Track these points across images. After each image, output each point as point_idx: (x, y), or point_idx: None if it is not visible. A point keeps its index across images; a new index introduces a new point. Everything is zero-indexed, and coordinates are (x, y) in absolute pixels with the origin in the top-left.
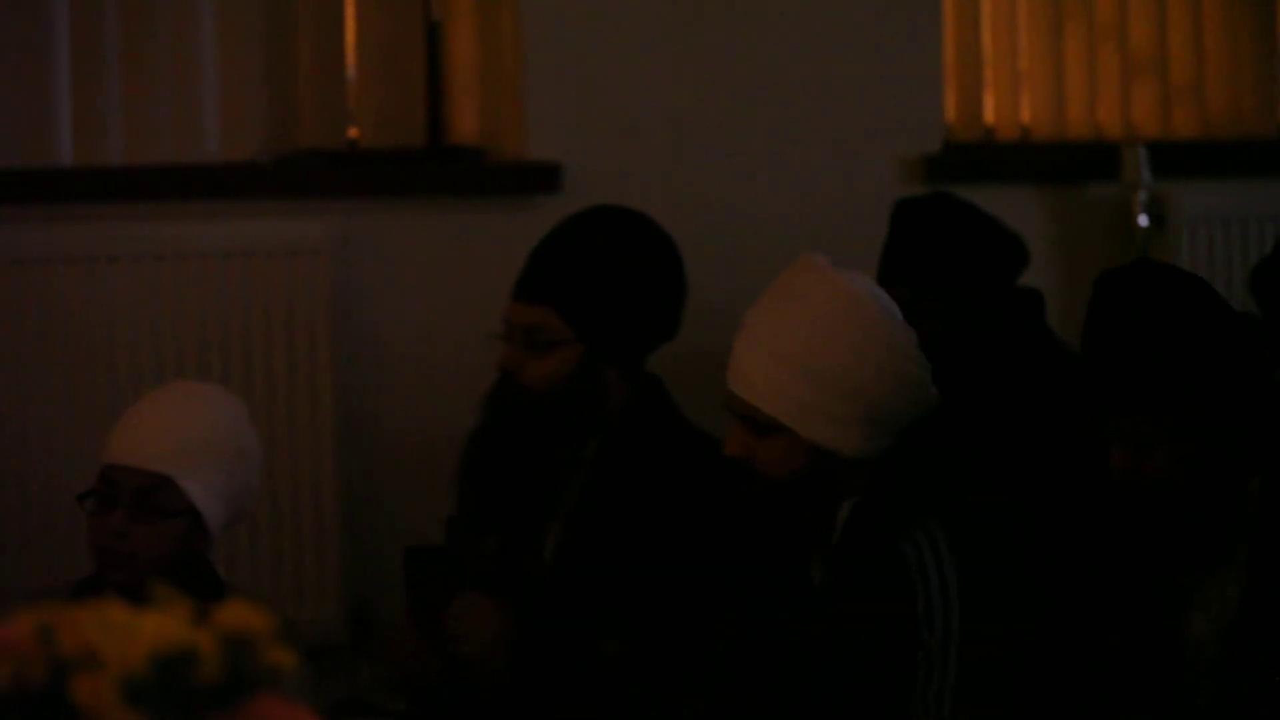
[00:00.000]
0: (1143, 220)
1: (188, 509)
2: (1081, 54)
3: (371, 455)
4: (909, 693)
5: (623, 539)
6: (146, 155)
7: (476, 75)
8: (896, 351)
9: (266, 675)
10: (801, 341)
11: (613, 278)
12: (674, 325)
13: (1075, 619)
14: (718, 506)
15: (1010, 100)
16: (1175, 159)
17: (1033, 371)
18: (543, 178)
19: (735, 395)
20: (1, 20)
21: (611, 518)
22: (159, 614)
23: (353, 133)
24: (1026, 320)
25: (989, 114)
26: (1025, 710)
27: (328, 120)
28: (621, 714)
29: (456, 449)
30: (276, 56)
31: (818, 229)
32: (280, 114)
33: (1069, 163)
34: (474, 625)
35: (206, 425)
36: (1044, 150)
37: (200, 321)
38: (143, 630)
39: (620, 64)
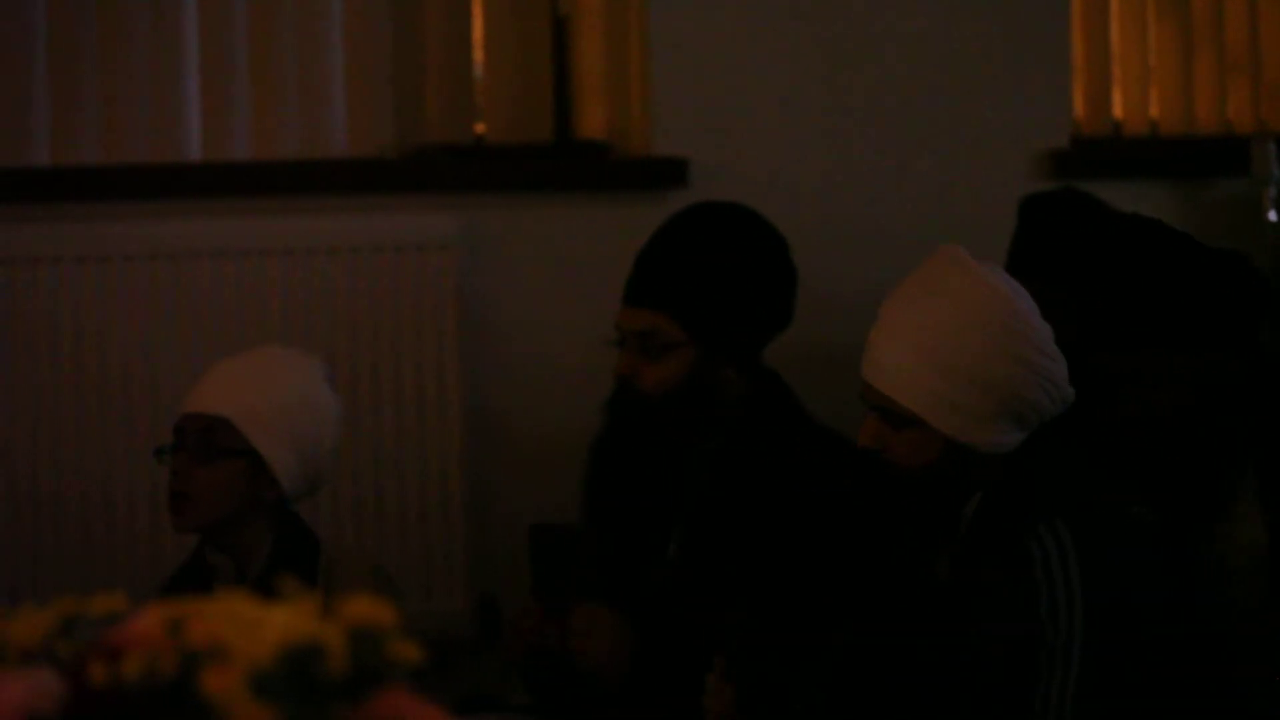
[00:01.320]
0: (1272, 215)
1: (248, 450)
2: (1211, 49)
3: (497, 449)
4: (1030, 691)
5: (745, 536)
6: (274, 151)
7: (603, 70)
8: (1036, 347)
9: (393, 669)
10: (941, 334)
11: (722, 277)
12: (788, 315)
13: (1197, 619)
14: (841, 500)
15: (1139, 95)
16: None
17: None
18: (669, 173)
19: (871, 386)
20: (136, 25)
21: (733, 516)
22: (286, 607)
23: (480, 128)
24: None
25: (1117, 109)
26: (1146, 712)
27: (455, 116)
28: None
29: (582, 444)
30: (404, 52)
31: (945, 224)
32: (408, 109)
33: (1198, 158)
34: (594, 637)
35: (268, 374)
36: (1173, 145)
37: (328, 316)
38: (271, 623)
39: (746, 59)
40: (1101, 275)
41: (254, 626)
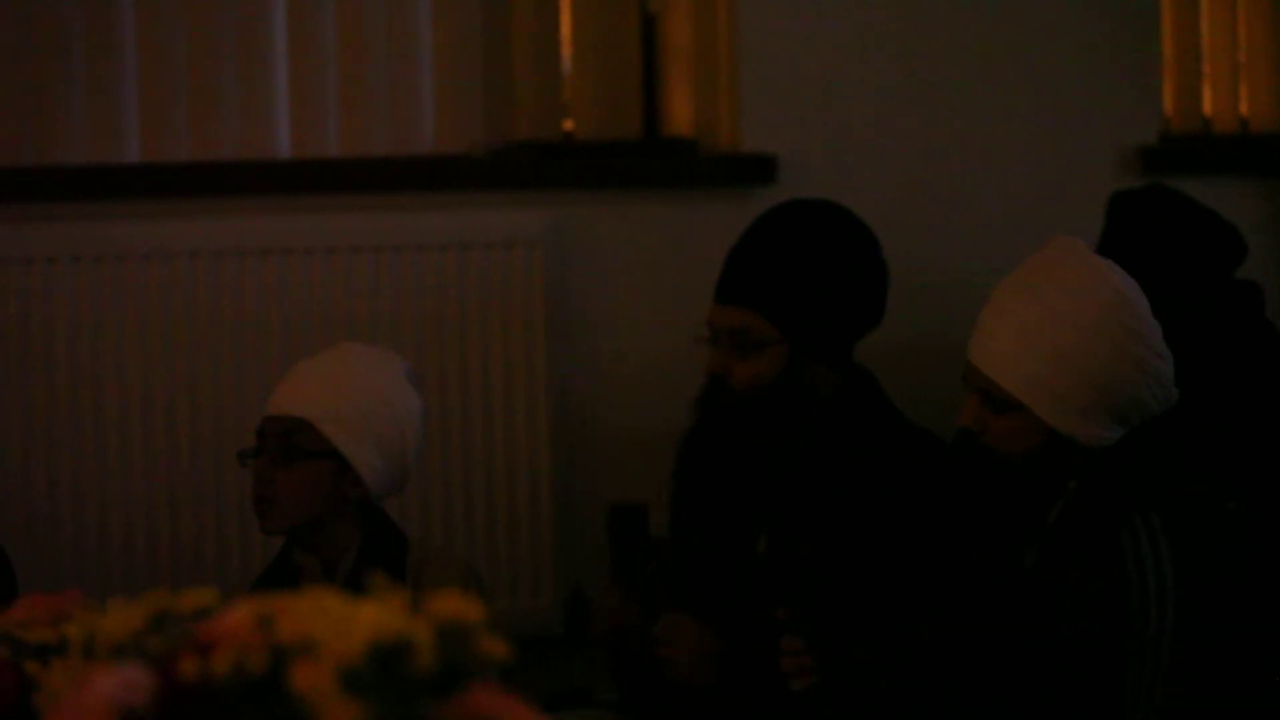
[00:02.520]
0: None
1: (331, 451)
2: None
3: (585, 446)
4: (1119, 682)
5: (832, 531)
6: (363, 148)
7: (692, 67)
8: (1149, 345)
9: (481, 665)
10: (1055, 325)
11: (814, 274)
12: (879, 312)
13: None
14: (928, 495)
15: (1229, 92)
16: None
17: (1251, 364)
18: (757, 169)
19: (975, 368)
20: (226, 24)
21: (821, 511)
22: (376, 603)
23: (568, 125)
24: (1245, 313)
25: (1207, 106)
26: (1235, 706)
27: (543, 112)
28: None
29: (670, 440)
30: (493, 49)
31: (1033, 221)
32: (496, 107)
33: None
34: (680, 644)
35: (347, 374)
36: (1263, 142)
37: (416, 312)
38: (360, 620)
39: (835, 55)
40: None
41: (343, 623)
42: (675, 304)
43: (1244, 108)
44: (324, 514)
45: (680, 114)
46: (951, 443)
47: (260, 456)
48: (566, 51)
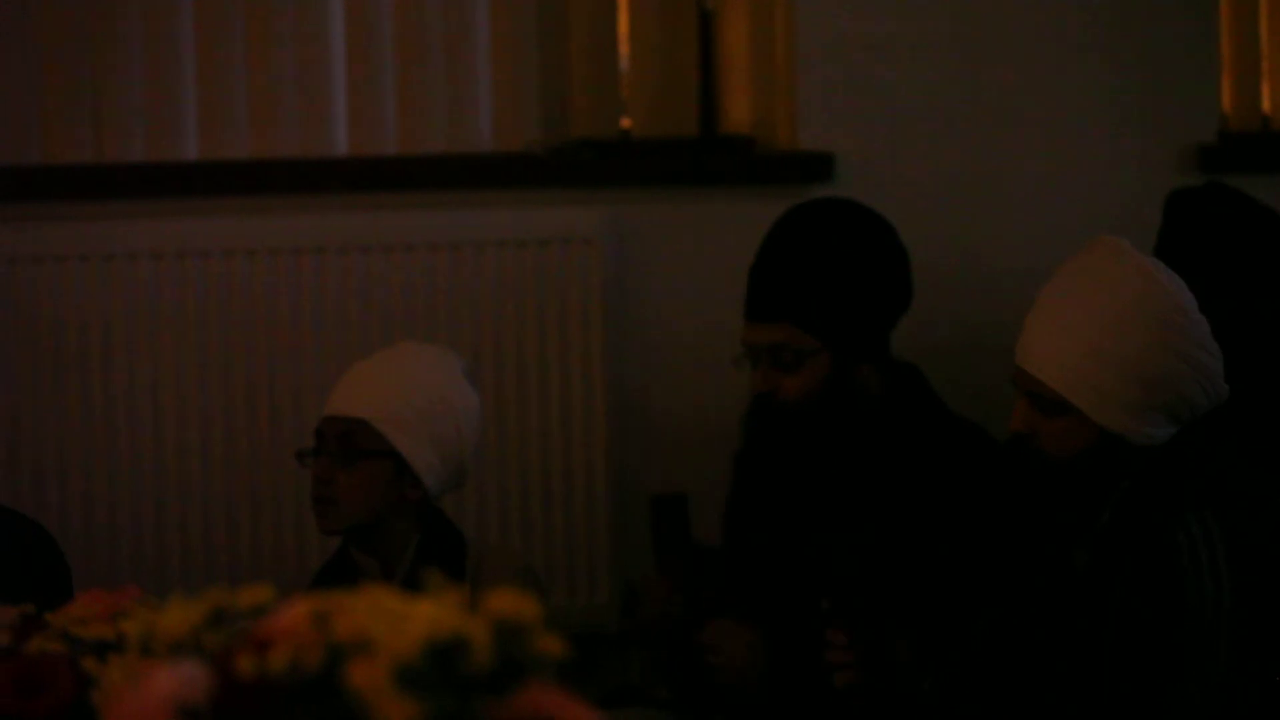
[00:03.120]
0: None
1: (389, 451)
2: None
3: (643, 444)
4: (1173, 681)
5: (883, 528)
6: (420, 145)
7: (749, 65)
8: (1197, 342)
9: (537, 663)
10: (1101, 325)
11: (840, 275)
12: (908, 296)
13: None
14: (979, 491)
15: None
16: None
17: None
18: (814, 167)
19: (1024, 371)
20: (282, 23)
21: (874, 509)
22: (431, 601)
23: (625, 122)
24: None
25: (1266, 103)
26: None
27: (600, 110)
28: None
29: (729, 438)
30: (550, 47)
31: (1091, 219)
32: (553, 104)
33: None
34: (729, 649)
35: (405, 374)
36: None
37: (473, 311)
38: (416, 617)
39: (892, 52)
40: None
41: (399, 620)
42: (732, 302)
43: None
44: (383, 514)
45: (738, 111)
46: (1004, 447)
47: (319, 457)
48: (624, 49)
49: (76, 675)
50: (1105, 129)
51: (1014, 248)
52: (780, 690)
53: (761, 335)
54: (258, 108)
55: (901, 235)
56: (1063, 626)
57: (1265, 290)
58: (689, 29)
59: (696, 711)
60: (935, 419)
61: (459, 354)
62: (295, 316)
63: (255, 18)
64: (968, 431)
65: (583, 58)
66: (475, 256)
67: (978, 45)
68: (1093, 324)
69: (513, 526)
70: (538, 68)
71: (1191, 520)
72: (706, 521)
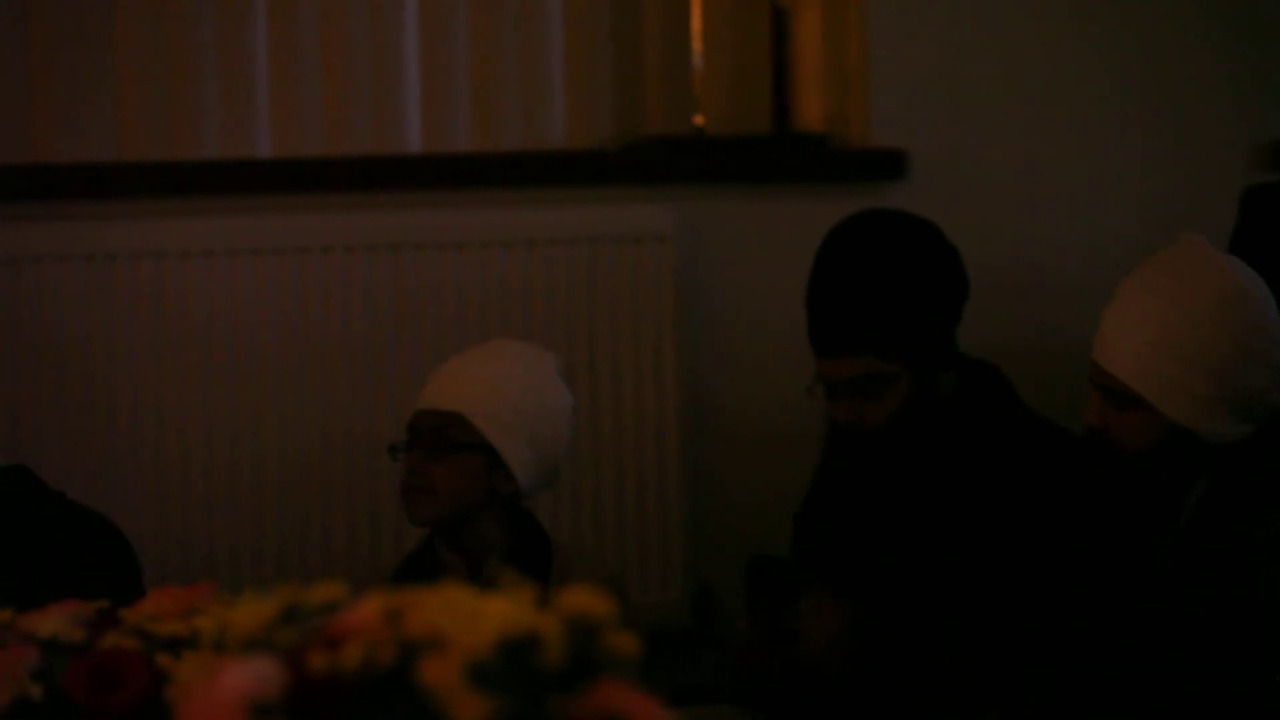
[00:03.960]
0: None
1: (483, 445)
2: None
3: (715, 441)
4: (1251, 680)
5: (965, 527)
6: (494, 142)
7: (822, 61)
8: (1270, 339)
9: (610, 660)
10: (1177, 322)
11: (912, 297)
12: (967, 289)
13: None
14: (1059, 488)
15: None
16: None
17: None
18: (888, 164)
19: (1097, 364)
20: (356, 22)
21: (953, 507)
22: (504, 598)
23: (698, 119)
24: None
25: None
26: None
27: (674, 107)
28: (966, 705)
29: (801, 435)
30: (623, 44)
31: (1165, 216)
32: (627, 102)
33: None
34: (818, 624)
35: (500, 370)
36: None
37: (546, 307)
38: (489, 614)
39: (965, 49)
40: None
41: (472, 617)
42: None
43: None
44: (472, 509)
45: (811, 108)
46: (1079, 443)
47: (412, 450)
48: (697, 46)
49: (151, 671)
50: (1179, 125)
51: (1087, 245)
52: (869, 666)
53: (840, 369)
54: (332, 105)
55: (974, 232)
56: (1146, 625)
57: None
58: (762, 25)
59: (768, 710)
60: (1014, 418)
61: (554, 353)
62: (371, 314)
63: (330, 16)
64: (1047, 430)
65: (656, 54)
66: (548, 254)
67: (1052, 40)
68: (1164, 318)
69: (585, 524)
70: (611, 65)
71: (1270, 518)
72: (772, 516)
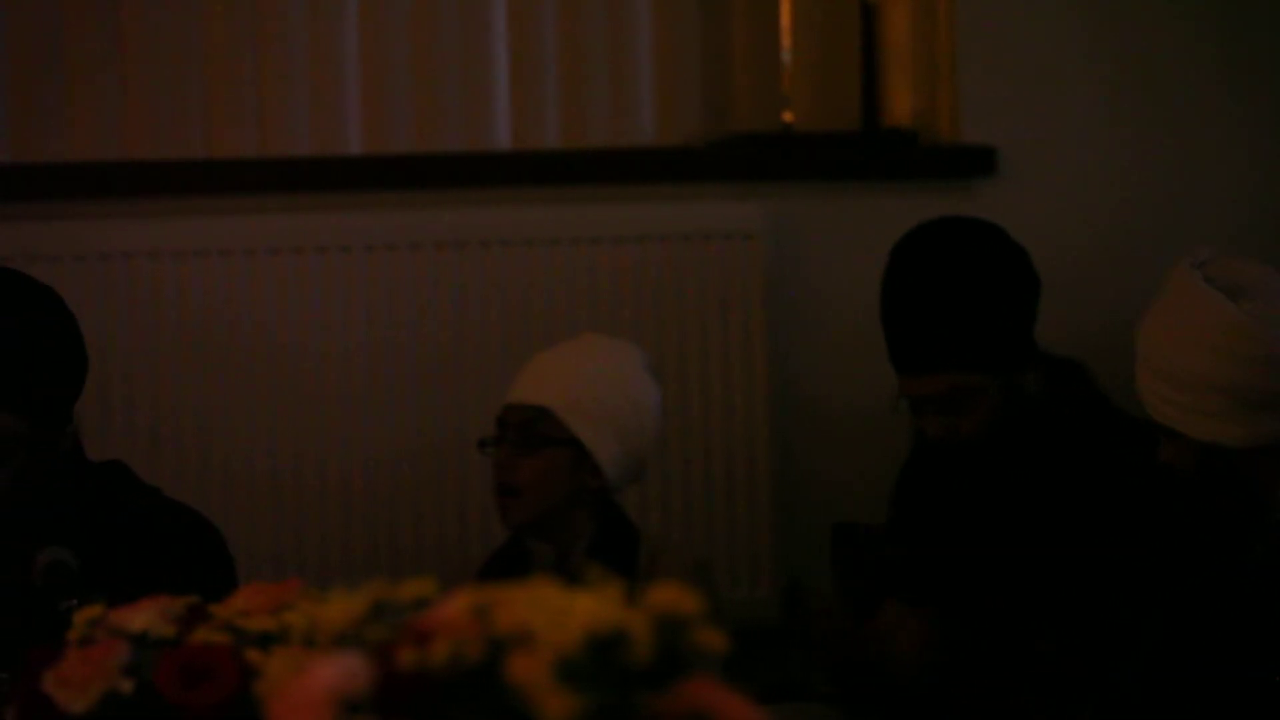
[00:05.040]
0: None
1: (571, 439)
2: None
3: (804, 437)
4: None
5: (1049, 529)
6: (583, 140)
7: (911, 58)
8: (1246, 337)
9: (698, 657)
10: (1156, 346)
11: (992, 308)
12: (1039, 286)
13: None
14: (1146, 485)
15: None
16: None
17: None
18: (977, 161)
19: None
20: (445, 18)
21: (1043, 509)
22: (592, 594)
23: (787, 116)
24: None
25: None
26: None
27: (762, 104)
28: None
29: (890, 433)
30: (712, 41)
31: (1255, 213)
32: (715, 98)
33: None
34: (901, 634)
35: (588, 364)
36: None
37: (634, 304)
38: (577, 611)
39: (1055, 44)
40: None
41: (560, 613)
42: None
43: None
44: (562, 503)
45: (900, 105)
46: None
47: (501, 445)
48: (786, 43)
49: (240, 666)
50: (1271, 122)
51: (1178, 240)
52: (953, 679)
53: (926, 387)
54: (421, 103)
55: (1064, 227)
56: (1236, 623)
57: None
58: (851, 21)
59: (858, 707)
60: (1100, 415)
61: (642, 348)
62: (458, 310)
63: (419, 14)
64: (1132, 425)
65: (745, 51)
66: (636, 251)
67: (1142, 37)
68: (1152, 347)
69: (675, 519)
70: (699, 61)
71: None
72: (862, 513)
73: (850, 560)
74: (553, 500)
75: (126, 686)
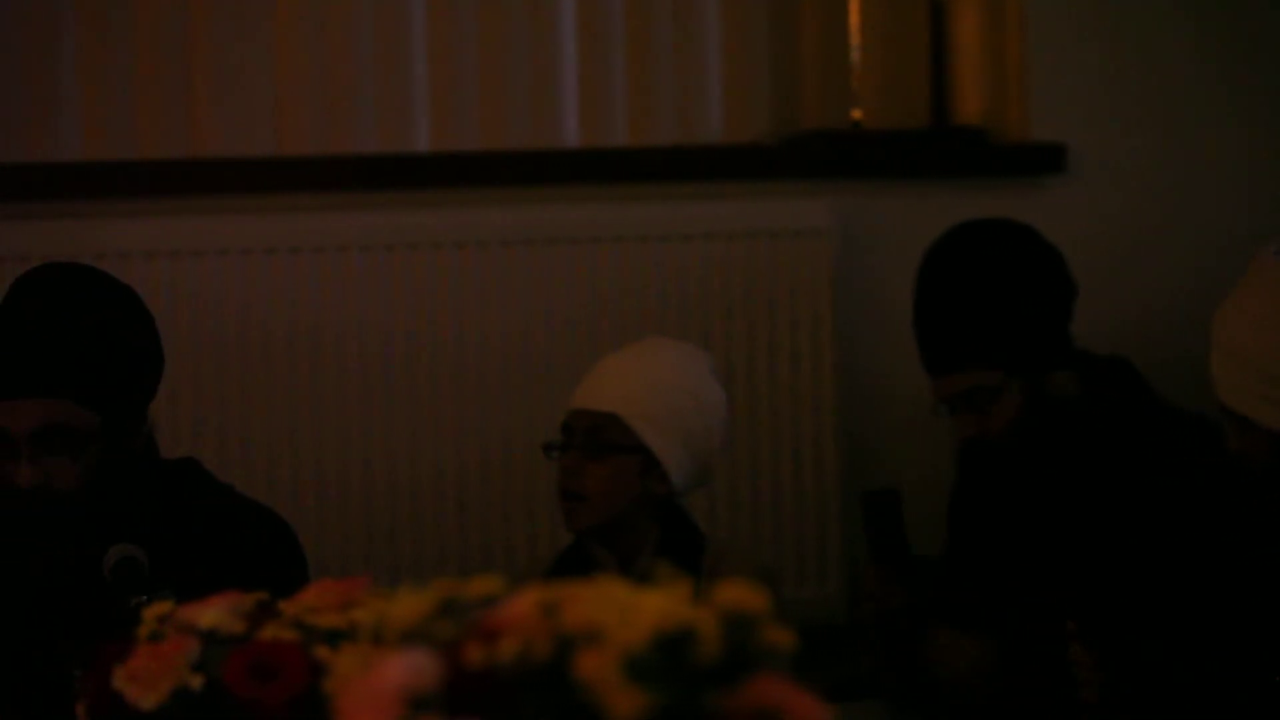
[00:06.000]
0: None
1: (638, 446)
2: None
3: (873, 438)
4: None
5: (1096, 529)
6: (650, 137)
7: (980, 54)
8: None
9: (766, 655)
10: (1234, 333)
11: (1005, 305)
12: (1073, 288)
13: None
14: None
15: None
16: None
17: None
18: (1047, 158)
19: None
20: (513, 18)
21: (1083, 510)
22: (660, 592)
23: (856, 113)
24: None
25: None
26: None
27: (831, 101)
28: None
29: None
30: (781, 37)
31: None
32: (784, 95)
33: None
34: (954, 656)
35: (655, 370)
36: None
37: (703, 302)
38: (645, 608)
39: (1124, 41)
40: None
41: (628, 611)
42: None
43: None
44: (628, 509)
45: (969, 102)
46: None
47: (567, 450)
48: (855, 40)
49: (309, 663)
50: None
51: (1248, 240)
52: (1010, 700)
53: (949, 386)
54: (489, 100)
55: (1134, 225)
56: None
57: None
58: (920, 19)
59: (923, 707)
60: (1145, 412)
61: (708, 351)
62: (525, 309)
63: (487, 13)
64: (1183, 420)
65: (814, 48)
66: (704, 248)
67: (1211, 34)
68: (1226, 332)
69: (743, 518)
70: (768, 59)
71: None
72: (927, 514)
73: (883, 529)
74: (619, 507)
75: (196, 683)
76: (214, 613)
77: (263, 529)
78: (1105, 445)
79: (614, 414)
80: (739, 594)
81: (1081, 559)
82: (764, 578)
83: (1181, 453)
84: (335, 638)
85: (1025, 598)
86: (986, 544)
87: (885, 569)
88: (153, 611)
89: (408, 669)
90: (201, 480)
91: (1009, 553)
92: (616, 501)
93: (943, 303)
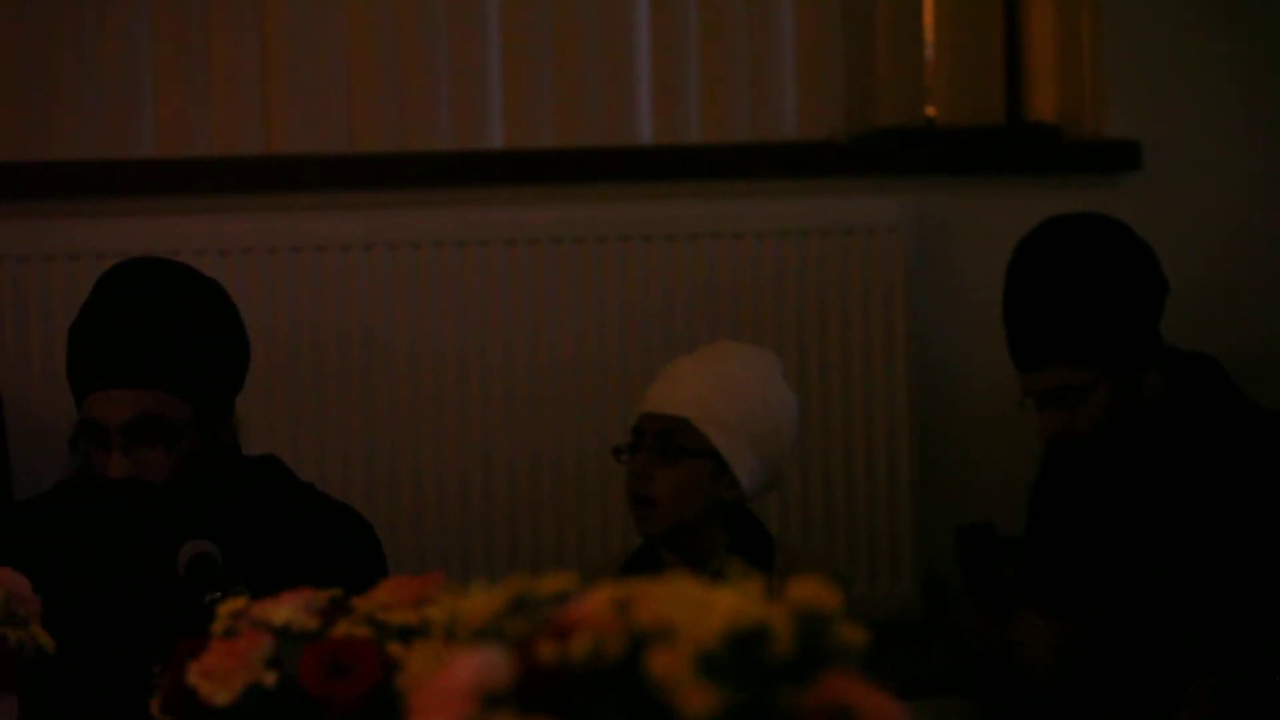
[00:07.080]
0: None
1: (709, 450)
2: None
3: (946, 436)
4: None
5: (1184, 531)
6: (724, 134)
7: (1055, 52)
8: None
9: (839, 652)
10: None
11: (1099, 302)
12: (1165, 287)
13: None
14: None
15: None
16: None
17: None
18: (1121, 155)
19: None
20: (586, 14)
21: (1170, 509)
22: (732, 590)
23: (930, 110)
24: None
25: None
26: None
27: (905, 98)
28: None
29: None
30: (855, 35)
31: None
32: (858, 92)
33: None
34: (1036, 642)
35: (726, 374)
36: None
37: (776, 298)
38: (717, 606)
39: (1200, 38)
40: None
41: (700, 608)
42: None
43: None
44: (698, 514)
45: (1043, 99)
46: None
47: (638, 454)
48: (929, 36)
49: (381, 659)
50: None
51: None
52: (1089, 683)
53: (1038, 382)
54: (564, 97)
55: (1209, 224)
56: None
57: None
58: (994, 15)
59: (997, 704)
60: (1230, 411)
61: (778, 355)
62: (600, 304)
63: (562, 12)
64: (1267, 419)
65: (887, 45)
66: (777, 246)
67: None
68: None
69: (816, 517)
70: (842, 56)
71: None
72: (1005, 514)
73: (977, 563)
74: (689, 511)
75: (269, 679)
76: (287, 609)
77: (344, 527)
78: (1192, 447)
79: (685, 418)
80: (811, 591)
81: (1165, 559)
82: (835, 582)
83: (1268, 453)
84: (408, 634)
85: (1106, 591)
86: (1067, 539)
87: (980, 603)
88: (227, 608)
89: (480, 666)
90: (283, 478)
91: (1090, 549)
92: (687, 506)
93: (1036, 297)
